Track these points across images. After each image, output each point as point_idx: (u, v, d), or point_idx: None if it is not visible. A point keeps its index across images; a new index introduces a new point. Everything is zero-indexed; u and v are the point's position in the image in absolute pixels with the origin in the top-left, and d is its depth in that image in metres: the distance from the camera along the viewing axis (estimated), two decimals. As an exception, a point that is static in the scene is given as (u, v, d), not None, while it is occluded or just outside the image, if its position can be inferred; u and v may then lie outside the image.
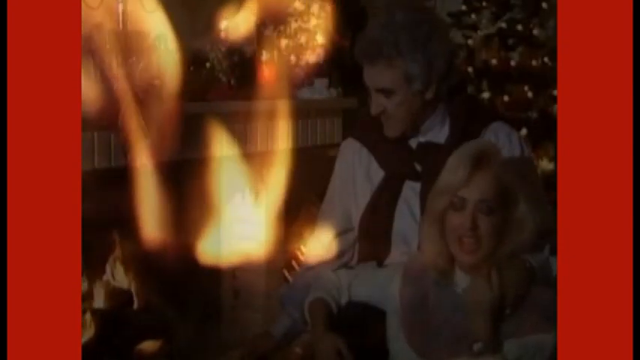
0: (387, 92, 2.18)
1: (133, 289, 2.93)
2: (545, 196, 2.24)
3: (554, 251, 1.98)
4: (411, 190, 2.23)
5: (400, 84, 2.16)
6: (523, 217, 1.94)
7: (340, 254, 2.33)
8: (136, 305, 2.93)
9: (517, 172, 2.01)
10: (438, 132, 2.24)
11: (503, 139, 2.21)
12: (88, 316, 2.71)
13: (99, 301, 2.83)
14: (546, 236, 2.00)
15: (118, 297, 2.89)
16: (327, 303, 2.12)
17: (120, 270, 2.95)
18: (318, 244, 2.41)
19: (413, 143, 2.26)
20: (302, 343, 2.37)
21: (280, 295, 2.45)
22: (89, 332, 2.69)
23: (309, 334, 2.20)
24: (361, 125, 2.37)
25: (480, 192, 1.92)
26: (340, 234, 2.33)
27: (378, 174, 2.28)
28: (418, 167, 2.23)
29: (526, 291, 1.93)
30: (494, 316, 1.89)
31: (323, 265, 2.32)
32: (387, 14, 2.19)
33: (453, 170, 1.95)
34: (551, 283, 1.96)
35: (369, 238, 2.27)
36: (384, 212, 2.24)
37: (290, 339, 2.32)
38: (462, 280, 1.98)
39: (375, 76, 2.19)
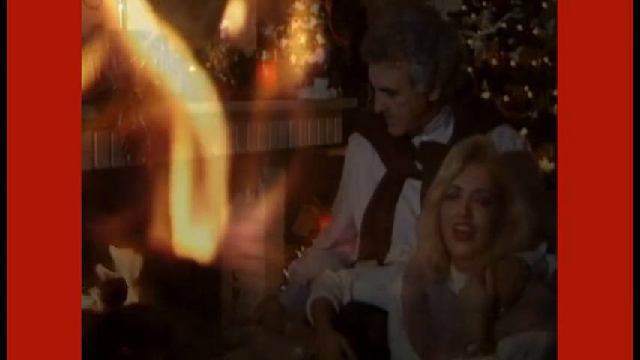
0: (390, 92, 2.18)
1: (129, 287, 2.92)
2: (547, 195, 2.23)
3: (551, 250, 1.98)
4: (412, 188, 2.24)
5: (404, 85, 2.17)
6: (518, 218, 1.94)
7: (339, 245, 2.40)
8: (129, 302, 2.92)
9: (513, 170, 2.01)
10: (442, 132, 2.24)
11: (508, 143, 2.21)
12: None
13: (96, 301, 2.83)
14: (545, 236, 2.00)
15: (113, 295, 2.88)
16: (330, 302, 2.12)
17: (117, 270, 2.95)
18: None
19: (416, 142, 2.26)
20: (303, 343, 2.36)
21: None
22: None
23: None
24: (367, 121, 2.38)
25: (476, 182, 1.93)
26: (343, 228, 2.39)
27: (381, 171, 2.29)
28: (420, 166, 2.23)
29: (521, 290, 1.93)
30: (488, 317, 1.89)
31: (319, 256, 2.39)
32: (394, 14, 2.19)
33: (448, 163, 1.96)
34: (546, 280, 1.96)
35: (370, 235, 2.28)
36: (385, 210, 2.25)
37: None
38: (457, 279, 1.97)
39: (380, 75, 2.19)
